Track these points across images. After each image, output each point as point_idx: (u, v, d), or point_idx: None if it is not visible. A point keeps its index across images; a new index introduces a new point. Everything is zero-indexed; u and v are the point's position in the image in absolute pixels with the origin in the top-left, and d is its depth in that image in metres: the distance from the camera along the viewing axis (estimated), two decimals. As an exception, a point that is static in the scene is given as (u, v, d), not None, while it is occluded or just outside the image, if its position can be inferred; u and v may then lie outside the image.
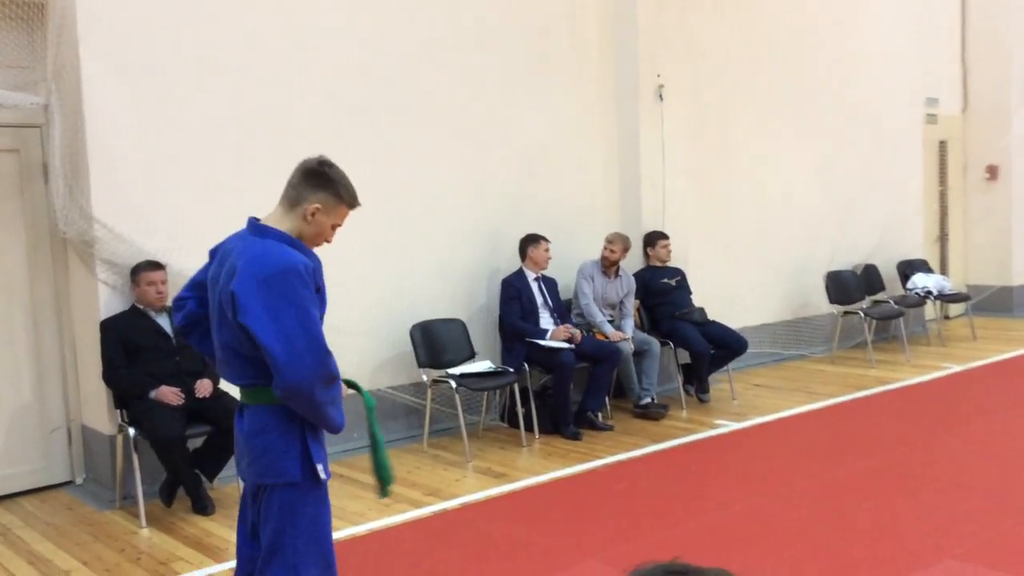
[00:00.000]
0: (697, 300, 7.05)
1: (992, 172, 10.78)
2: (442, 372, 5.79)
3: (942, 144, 10.58)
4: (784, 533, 4.07)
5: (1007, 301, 10.71)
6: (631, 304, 6.71)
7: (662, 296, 6.91)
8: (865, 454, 5.26)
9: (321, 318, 2.51)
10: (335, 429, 2.50)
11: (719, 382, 7.06)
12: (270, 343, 2.34)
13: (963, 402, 6.58)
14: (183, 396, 4.61)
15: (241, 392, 2.56)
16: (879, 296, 8.94)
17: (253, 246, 2.46)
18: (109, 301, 4.88)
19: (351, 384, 2.70)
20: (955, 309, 10.38)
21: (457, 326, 6.12)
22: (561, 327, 6.16)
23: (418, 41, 6.02)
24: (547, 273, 6.37)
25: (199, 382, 4.70)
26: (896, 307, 8.59)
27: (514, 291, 6.18)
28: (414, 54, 6.01)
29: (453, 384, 5.64)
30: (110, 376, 4.75)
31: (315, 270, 2.48)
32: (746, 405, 6.64)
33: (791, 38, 8.46)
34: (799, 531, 4.08)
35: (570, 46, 6.87)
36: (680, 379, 6.85)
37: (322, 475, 2.52)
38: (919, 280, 9.08)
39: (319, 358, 2.36)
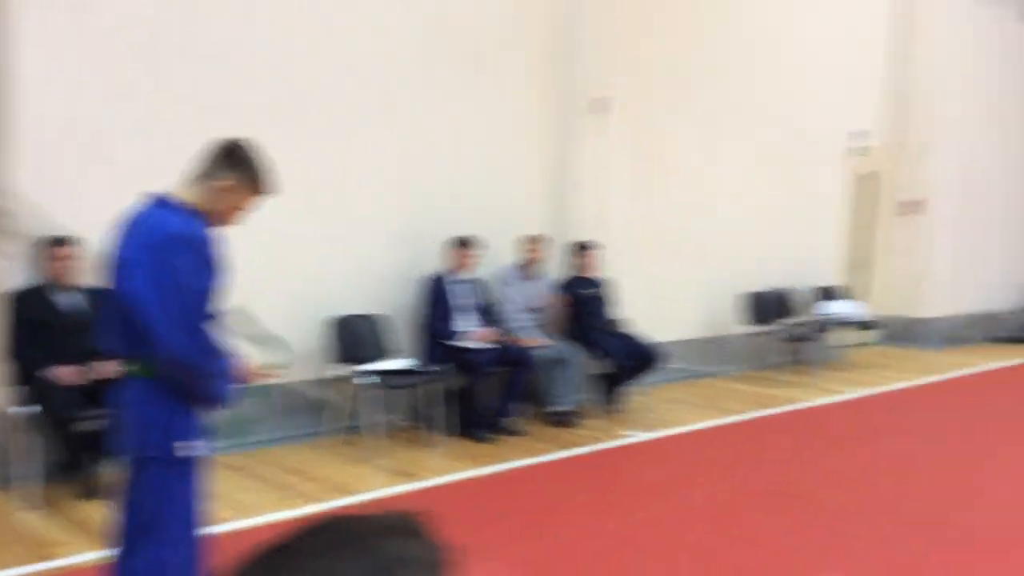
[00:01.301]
0: (619, 312, 7.16)
1: (913, 207, 11.19)
2: (357, 368, 5.75)
3: (867, 176, 10.95)
4: (677, 542, 4.15)
5: (916, 332, 11.12)
6: (550, 311, 6.77)
7: (584, 305, 6.99)
8: (762, 470, 5.41)
9: (218, 289, 2.53)
10: (216, 402, 2.51)
11: (634, 395, 7.17)
12: (147, 310, 2.37)
13: (861, 426, 6.81)
14: (81, 376, 4.49)
15: (124, 363, 2.55)
16: (794, 319, 9.19)
17: (148, 215, 2.49)
18: (14, 275, 4.73)
19: (269, 339, 2.72)
20: (866, 337, 10.73)
21: (377, 322, 6.09)
22: (481, 330, 6.19)
23: (357, 34, 6.00)
24: (473, 276, 6.39)
25: (98, 363, 4.57)
26: (809, 331, 8.85)
27: (437, 292, 6.18)
28: (352, 47, 5.97)
29: (367, 381, 5.61)
30: (10, 352, 4.59)
31: (207, 240, 2.49)
32: (657, 418, 6.75)
33: (731, 61, 8.65)
34: (691, 541, 4.17)
35: (516, 53, 6.92)
36: (595, 389, 6.93)
37: (193, 452, 2.51)
38: (833, 306, 9.37)
39: (191, 328, 2.39)
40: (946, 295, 11.45)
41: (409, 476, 5.11)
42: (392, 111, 6.19)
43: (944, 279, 11.39)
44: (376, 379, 5.63)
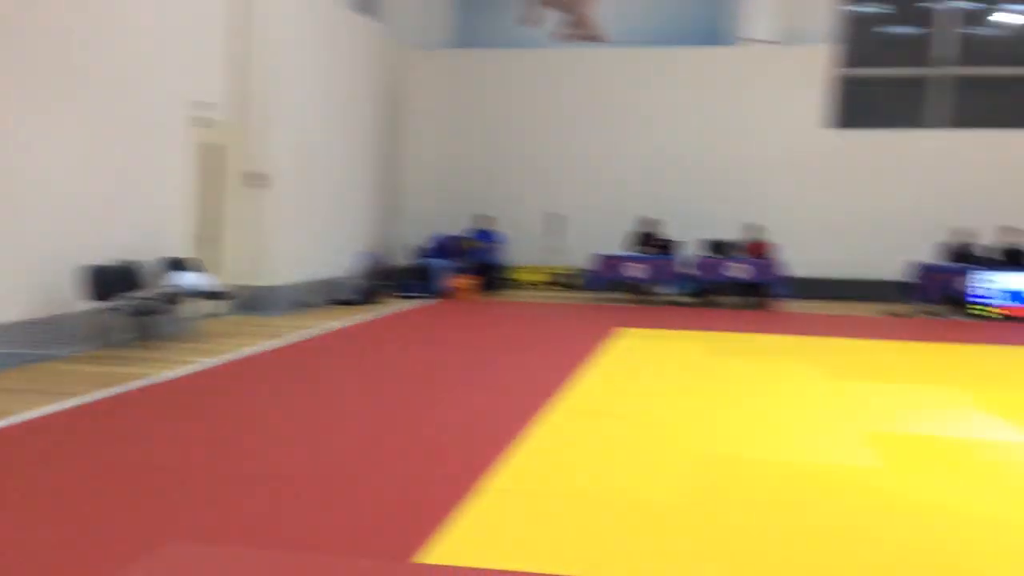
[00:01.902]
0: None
1: (257, 180, 11.61)
2: None
3: (213, 148, 10.99)
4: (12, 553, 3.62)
5: (264, 300, 11.64)
6: None
7: None
8: (111, 449, 5.08)
9: None
10: None
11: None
12: None
13: (214, 392, 6.86)
14: None
15: None
16: (141, 292, 8.82)
17: None
18: None
19: None
20: (217, 307, 10.86)
21: None
22: None
23: None
24: None
25: None
26: (157, 304, 8.58)
27: None
28: None
29: None
30: None
31: None
32: (-20, 412, 5.83)
33: (62, 17, 7.79)
34: (33, 546, 3.69)
35: None
36: None
37: None
38: (182, 278, 9.25)
39: None
40: (290, 264, 12.23)
41: None
42: None
43: (288, 249, 12.13)
44: None
